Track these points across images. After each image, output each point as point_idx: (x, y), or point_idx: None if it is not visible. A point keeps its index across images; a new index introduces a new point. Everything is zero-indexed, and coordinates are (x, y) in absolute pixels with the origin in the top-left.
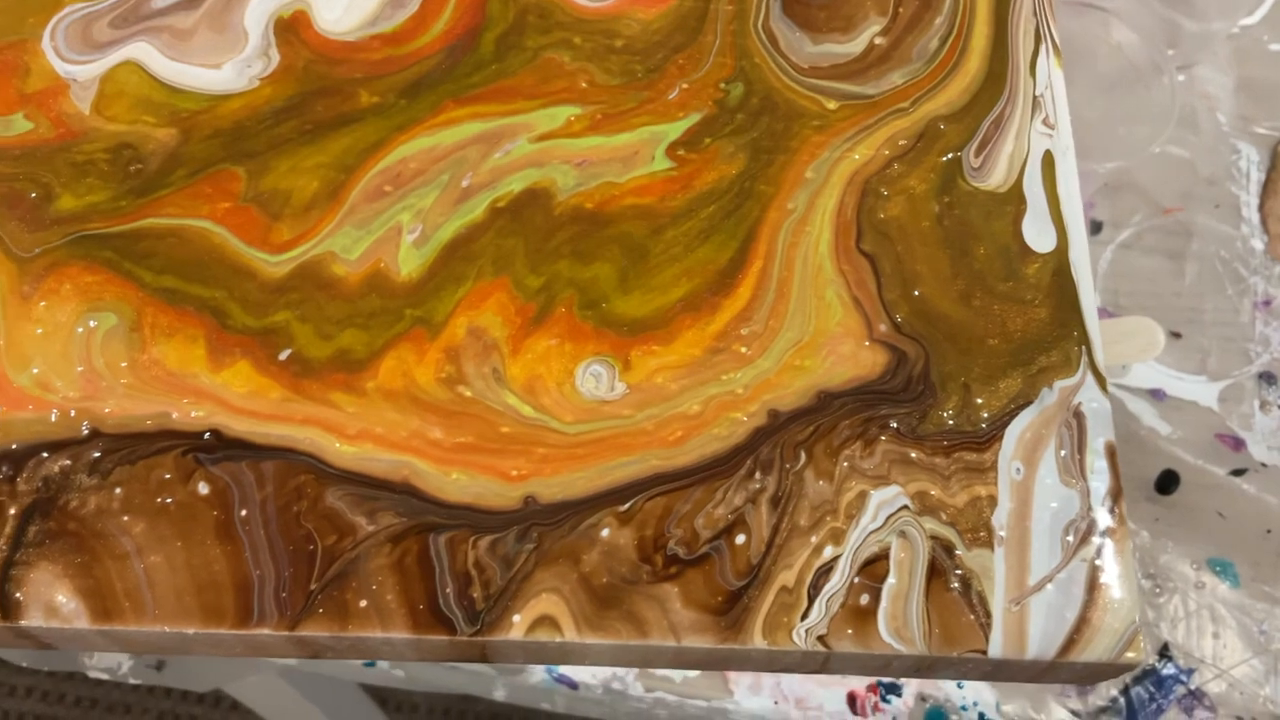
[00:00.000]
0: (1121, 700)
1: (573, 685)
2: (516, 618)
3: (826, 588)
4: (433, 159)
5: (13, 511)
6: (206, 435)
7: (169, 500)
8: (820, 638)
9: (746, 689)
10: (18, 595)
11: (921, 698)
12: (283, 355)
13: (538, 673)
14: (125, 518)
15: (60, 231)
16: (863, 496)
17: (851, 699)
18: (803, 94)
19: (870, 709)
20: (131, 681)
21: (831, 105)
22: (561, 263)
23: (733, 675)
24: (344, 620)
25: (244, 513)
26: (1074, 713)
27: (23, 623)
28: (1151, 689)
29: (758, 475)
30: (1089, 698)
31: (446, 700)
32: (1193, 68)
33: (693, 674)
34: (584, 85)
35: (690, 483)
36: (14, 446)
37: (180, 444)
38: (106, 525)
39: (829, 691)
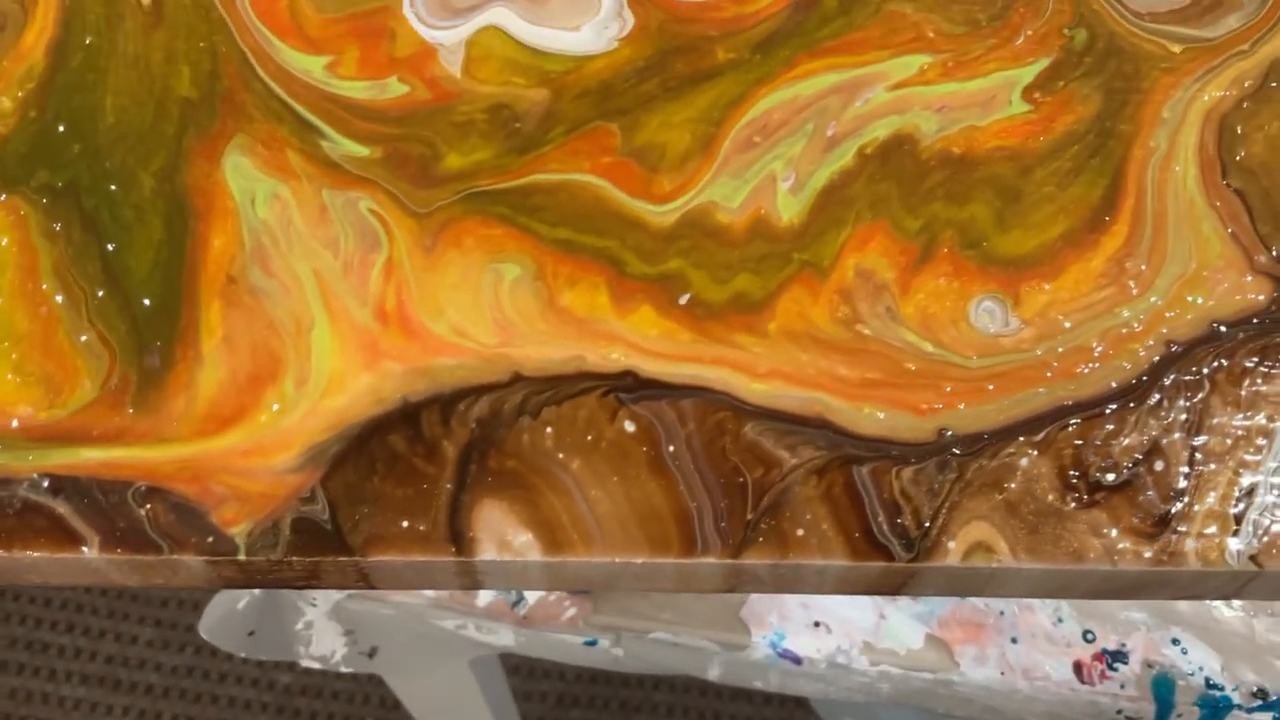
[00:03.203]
0: None
1: (796, 660)
2: (951, 544)
3: (1251, 510)
4: (795, 110)
5: (451, 452)
6: (625, 376)
7: (599, 438)
8: (1252, 557)
9: (972, 660)
10: (470, 533)
11: (1148, 664)
12: (683, 299)
13: (761, 648)
14: (560, 455)
15: (451, 189)
16: (1272, 420)
17: (1078, 667)
18: (1145, 38)
19: (1097, 677)
20: (343, 670)
21: (1175, 49)
22: (936, 204)
23: (958, 647)
24: (784, 549)
25: (671, 448)
26: None
27: (477, 558)
28: None
29: (1165, 404)
30: None
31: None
32: None
33: (917, 646)
34: (931, 35)
35: (1100, 413)
36: (442, 391)
37: (600, 385)
38: (544, 462)
39: (1055, 661)
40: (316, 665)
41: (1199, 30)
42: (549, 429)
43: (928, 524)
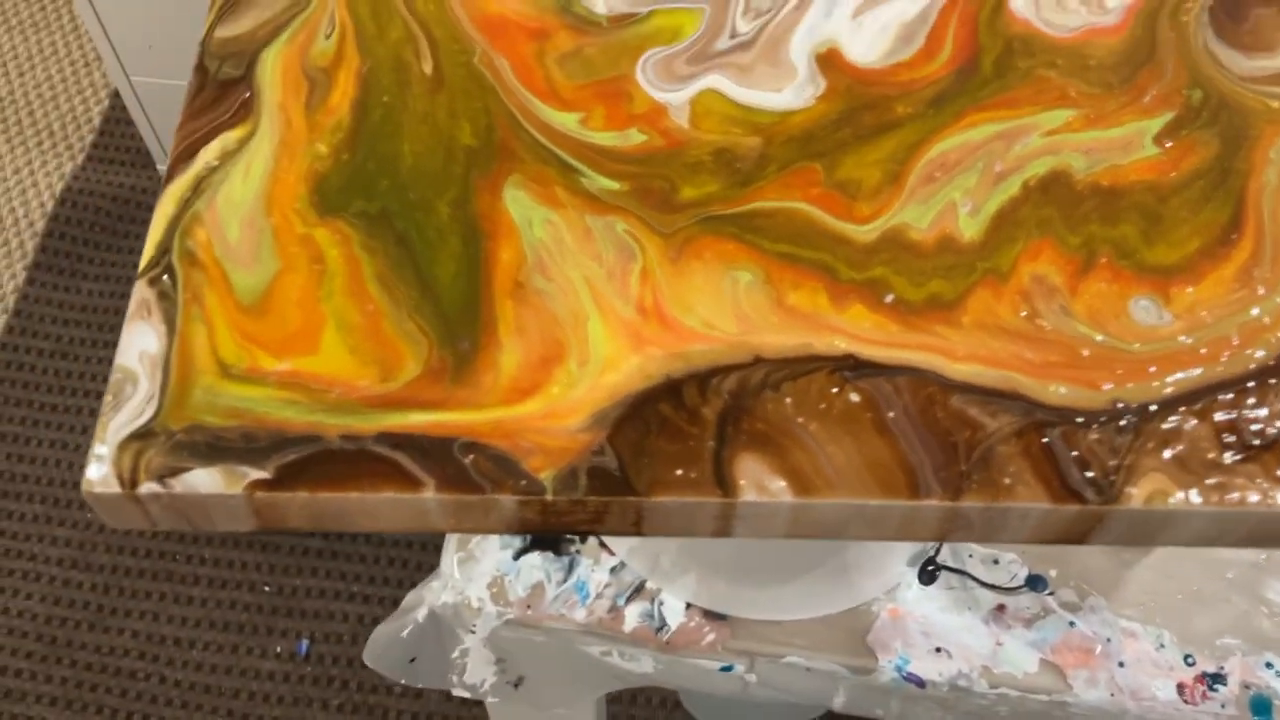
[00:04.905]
0: None
1: (920, 683)
2: (1134, 491)
3: None
4: (967, 151)
5: (710, 417)
6: (846, 359)
7: (830, 406)
8: None
9: (1084, 682)
10: (733, 480)
11: (1245, 685)
12: (888, 299)
13: (887, 672)
14: (799, 419)
15: (689, 214)
16: None
17: (1181, 688)
18: (1250, 96)
19: (1199, 697)
20: (490, 700)
21: (1275, 104)
22: (1093, 225)
23: (1070, 671)
24: (995, 494)
25: (891, 414)
26: None
27: (740, 499)
28: None
29: None
30: None
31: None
32: None
33: (1032, 670)
34: (1073, 94)
35: (1244, 388)
36: (697, 369)
37: (826, 365)
38: (787, 425)
39: (1161, 682)
40: (466, 694)
41: None
42: (788, 399)
43: (1113, 476)
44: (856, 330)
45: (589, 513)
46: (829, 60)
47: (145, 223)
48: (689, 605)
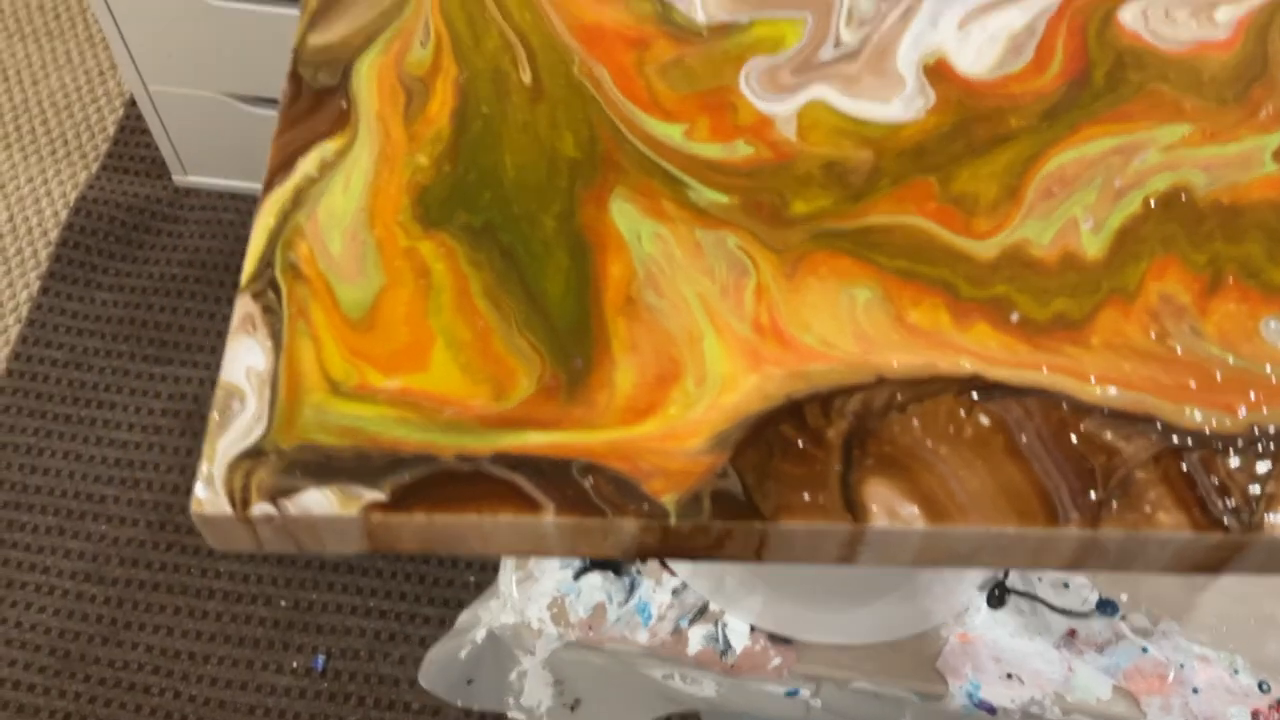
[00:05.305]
0: None
1: (991, 710)
2: (1276, 518)
3: None
4: (1084, 166)
5: (835, 440)
6: (973, 380)
7: (960, 429)
8: None
9: (1158, 709)
10: (863, 505)
11: None
12: (1013, 317)
13: (958, 698)
14: (929, 442)
15: (801, 229)
16: None
17: (1255, 715)
18: None
19: None
20: None
21: None
22: (1217, 243)
23: (1143, 697)
24: (1135, 522)
25: (1023, 439)
26: None
27: (870, 525)
28: None
29: None
30: None
31: None
32: None
33: (1105, 697)
34: (1187, 108)
35: None
36: (818, 390)
37: (952, 386)
38: (916, 448)
39: (1236, 709)
40: (522, 717)
41: None
42: (915, 421)
43: (1254, 504)
44: (982, 350)
45: (711, 538)
46: (938, 71)
47: (160, 232)
48: (753, 628)
